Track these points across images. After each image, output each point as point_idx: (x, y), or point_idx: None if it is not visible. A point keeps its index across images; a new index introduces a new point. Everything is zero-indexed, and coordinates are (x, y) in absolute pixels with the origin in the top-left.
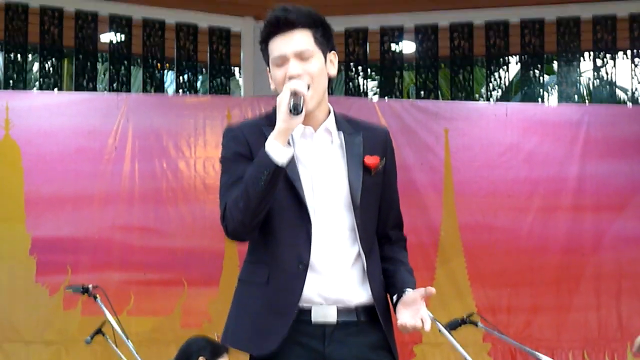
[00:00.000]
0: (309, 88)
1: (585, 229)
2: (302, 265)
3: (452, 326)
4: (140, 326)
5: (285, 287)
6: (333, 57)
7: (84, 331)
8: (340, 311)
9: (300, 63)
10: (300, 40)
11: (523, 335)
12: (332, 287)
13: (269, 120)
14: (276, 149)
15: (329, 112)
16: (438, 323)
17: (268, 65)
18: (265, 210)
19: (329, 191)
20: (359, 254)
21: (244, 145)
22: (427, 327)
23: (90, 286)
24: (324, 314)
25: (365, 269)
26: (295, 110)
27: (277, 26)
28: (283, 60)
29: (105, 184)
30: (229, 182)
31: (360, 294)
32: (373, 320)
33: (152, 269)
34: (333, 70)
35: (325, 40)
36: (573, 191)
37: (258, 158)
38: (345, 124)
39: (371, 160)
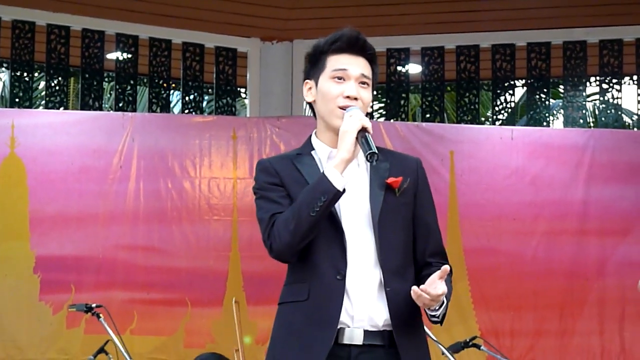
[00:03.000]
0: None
1: (589, 253)
2: (340, 275)
3: (455, 349)
4: (143, 346)
5: (326, 298)
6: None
7: (87, 350)
8: (367, 333)
9: (358, 88)
10: (365, 66)
11: (526, 359)
12: (359, 307)
13: (300, 151)
14: (336, 176)
15: None
16: (441, 346)
17: (309, 78)
18: (314, 234)
19: (354, 211)
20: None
21: (274, 175)
22: (436, 290)
23: (93, 305)
24: (351, 335)
25: (384, 288)
26: (371, 157)
27: (352, 45)
28: (345, 77)
29: (110, 203)
30: (266, 202)
31: (386, 314)
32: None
33: (155, 288)
34: (368, 108)
35: (374, 79)
36: (578, 215)
37: (315, 184)
38: None
39: (393, 180)
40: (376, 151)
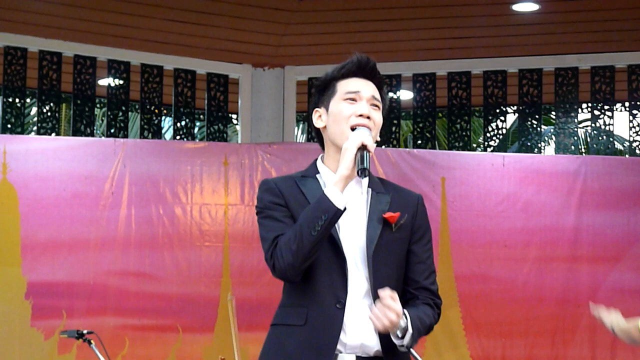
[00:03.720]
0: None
1: (581, 280)
2: (339, 304)
3: None
4: None
5: (324, 326)
6: None
7: None
8: (359, 359)
9: (370, 109)
10: (375, 90)
11: None
12: (352, 336)
13: (304, 174)
14: (336, 195)
15: None
16: None
17: (319, 106)
18: (316, 255)
19: (351, 240)
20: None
21: (279, 196)
22: (390, 315)
23: (84, 331)
24: None
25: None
26: (362, 173)
27: (362, 69)
28: (357, 98)
29: (102, 229)
30: (270, 221)
31: (378, 343)
32: None
33: (147, 314)
34: (377, 136)
35: (384, 107)
36: (569, 242)
37: (316, 203)
38: (377, 183)
39: (390, 215)
40: (367, 167)
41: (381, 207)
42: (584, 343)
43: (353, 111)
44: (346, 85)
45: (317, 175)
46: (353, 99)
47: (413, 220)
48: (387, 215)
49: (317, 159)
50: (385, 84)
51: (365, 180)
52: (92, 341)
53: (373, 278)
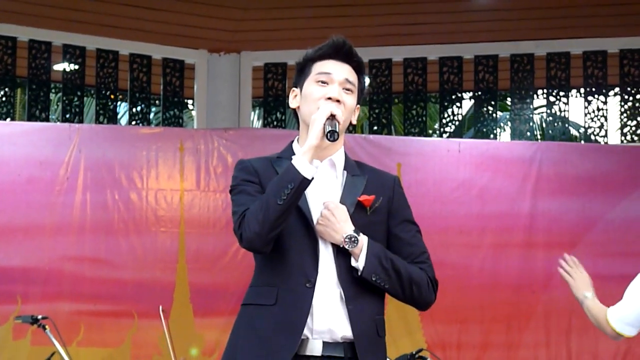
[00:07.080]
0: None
1: (536, 265)
2: (309, 283)
3: None
4: (89, 357)
5: (294, 305)
6: (357, 109)
7: None
8: (326, 345)
9: (342, 92)
10: (350, 73)
11: None
12: (319, 320)
13: (280, 155)
14: (303, 164)
15: (339, 151)
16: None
17: (296, 86)
18: (282, 225)
19: None
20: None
21: (253, 174)
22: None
23: (39, 317)
24: (310, 347)
25: (345, 305)
26: (332, 135)
27: (337, 51)
28: (328, 80)
29: (57, 214)
30: (242, 196)
31: (346, 329)
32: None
33: (102, 300)
34: (354, 119)
35: (361, 90)
36: (525, 228)
37: (283, 172)
38: (353, 166)
39: (365, 197)
40: (336, 130)
41: (355, 190)
42: (539, 328)
43: (323, 94)
44: (320, 67)
45: (293, 157)
46: (324, 82)
47: (389, 203)
48: (362, 198)
49: (293, 141)
50: (364, 67)
51: (341, 163)
52: (47, 326)
53: (336, 263)
